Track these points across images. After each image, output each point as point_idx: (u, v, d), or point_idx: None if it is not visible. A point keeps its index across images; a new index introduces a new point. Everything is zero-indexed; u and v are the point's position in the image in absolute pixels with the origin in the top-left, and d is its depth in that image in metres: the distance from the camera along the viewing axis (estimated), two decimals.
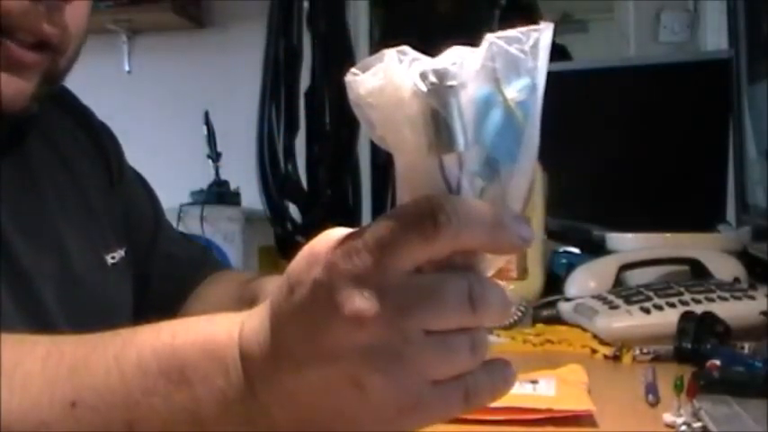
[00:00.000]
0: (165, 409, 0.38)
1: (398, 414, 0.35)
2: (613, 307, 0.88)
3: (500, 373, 0.39)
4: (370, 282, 0.34)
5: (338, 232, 0.36)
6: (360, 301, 0.34)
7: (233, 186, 2.87)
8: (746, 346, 0.72)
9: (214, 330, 0.39)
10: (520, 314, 0.98)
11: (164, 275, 0.80)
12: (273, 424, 0.38)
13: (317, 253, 0.36)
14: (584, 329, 0.90)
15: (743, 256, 1.08)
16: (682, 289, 0.87)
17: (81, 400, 0.39)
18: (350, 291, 0.34)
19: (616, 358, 0.80)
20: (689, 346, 0.74)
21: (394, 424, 0.36)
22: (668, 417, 0.54)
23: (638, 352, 0.79)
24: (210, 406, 0.38)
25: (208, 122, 2.80)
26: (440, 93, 0.32)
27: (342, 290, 0.34)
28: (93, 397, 0.39)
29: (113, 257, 0.71)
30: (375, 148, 3.30)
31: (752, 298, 0.85)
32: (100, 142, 0.76)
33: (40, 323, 0.60)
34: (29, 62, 0.55)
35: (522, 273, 1.03)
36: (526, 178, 0.34)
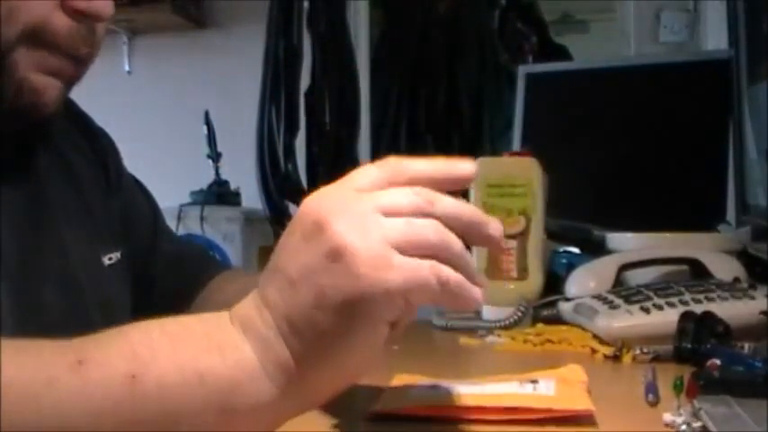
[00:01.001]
0: (168, 362, 0.43)
1: (375, 272, 0.41)
2: (613, 307, 0.88)
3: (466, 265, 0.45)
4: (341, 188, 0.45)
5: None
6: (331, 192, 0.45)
7: (233, 186, 2.87)
8: (746, 346, 0.72)
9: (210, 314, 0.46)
10: (520, 314, 0.98)
11: (168, 276, 0.80)
12: (278, 356, 0.44)
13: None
14: (585, 329, 0.90)
15: (743, 256, 1.08)
16: (682, 289, 0.87)
17: (86, 358, 0.42)
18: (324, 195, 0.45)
19: (616, 358, 0.80)
20: (689, 345, 0.74)
21: (373, 283, 0.41)
22: (668, 416, 0.54)
23: (638, 352, 0.79)
24: (212, 356, 0.43)
25: (208, 122, 2.80)
26: None
27: (315, 198, 0.45)
28: (98, 355, 0.43)
29: (110, 258, 0.71)
30: (375, 148, 3.32)
31: (752, 298, 0.85)
32: (99, 148, 0.76)
33: (40, 324, 0.60)
34: (66, 72, 0.62)
35: (522, 273, 1.03)
36: None
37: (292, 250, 0.44)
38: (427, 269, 0.43)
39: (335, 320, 0.42)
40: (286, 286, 0.44)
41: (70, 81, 0.63)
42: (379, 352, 0.45)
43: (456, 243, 0.44)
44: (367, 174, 0.46)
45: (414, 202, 0.44)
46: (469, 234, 0.45)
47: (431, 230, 0.43)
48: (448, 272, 0.43)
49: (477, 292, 0.45)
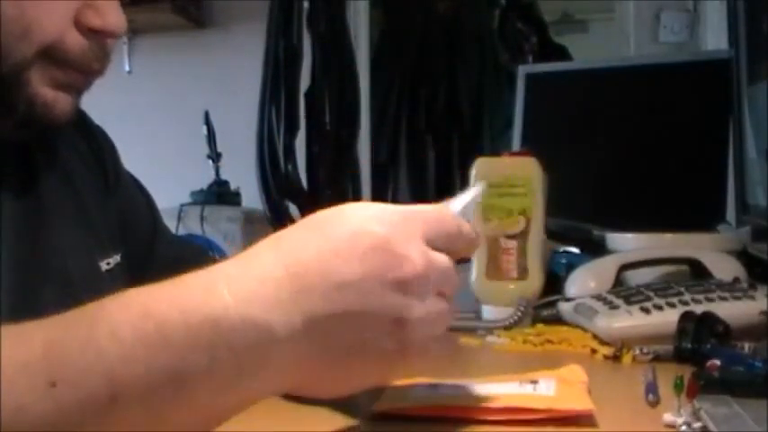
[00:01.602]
0: (151, 377, 0.39)
1: (423, 352, 0.45)
2: (613, 307, 0.88)
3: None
4: (428, 252, 0.46)
5: (370, 204, 0.46)
6: (418, 256, 0.45)
7: (233, 186, 2.87)
8: (746, 346, 0.72)
9: (191, 295, 0.42)
10: (520, 314, 0.98)
11: (167, 277, 0.80)
12: (291, 372, 0.42)
13: (364, 214, 0.45)
14: (585, 329, 0.90)
15: (743, 256, 1.08)
16: (682, 289, 0.87)
17: (59, 378, 0.38)
18: (411, 247, 0.45)
19: (616, 358, 0.80)
20: (689, 346, 0.74)
21: (417, 361, 0.45)
22: (668, 417, 0.54)
23: (638, 352, 0.79)
24: (200, 360, 0.40)
25: (208, 122, 2.80)
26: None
27: (404, 244, 0.44)
28: (71, 373, 0.39)
29: (108, 263, 0.71)
30: (375, 148, 3.31)
31: (752, 298, 0.85)
32: (96, 146, 0.76)
33: None
34: (77, 86, 0.62)
35: (522, 273, 1.03)
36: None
37: (365, 281, 0.42)
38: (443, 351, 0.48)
39: (361, 366, 0.44)
40: (337, 323, 0.42)
41: (80, 93, 0.64)
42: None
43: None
44: (442, 230, 0.48)
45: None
46: None
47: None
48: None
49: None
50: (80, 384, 0.39)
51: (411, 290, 0.43)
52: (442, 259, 0.47)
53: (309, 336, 0.41)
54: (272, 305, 0.41)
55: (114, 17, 0.62)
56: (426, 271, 0.44)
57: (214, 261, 0.90)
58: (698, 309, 0.80)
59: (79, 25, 0.60)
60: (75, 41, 0.60)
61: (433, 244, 0.46)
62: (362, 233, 0.43)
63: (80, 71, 0.61)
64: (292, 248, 0.43)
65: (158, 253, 0.81)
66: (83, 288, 0.66)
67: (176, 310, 0.40)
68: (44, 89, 0.59)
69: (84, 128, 0.76)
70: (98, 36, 0.61)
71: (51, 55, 0.59)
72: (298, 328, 0.41)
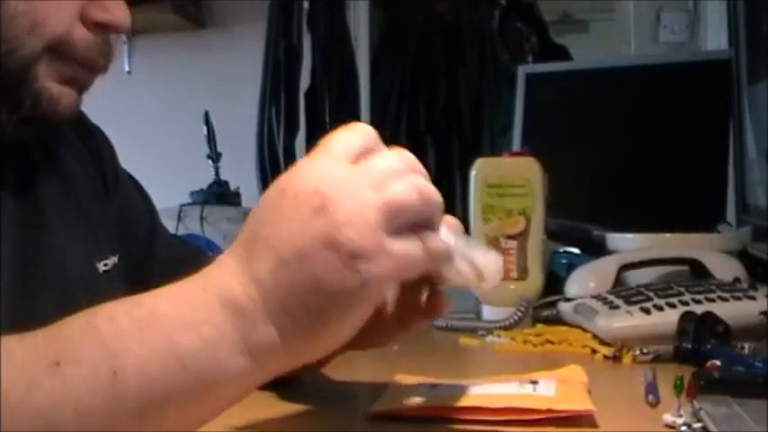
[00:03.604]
0: (146, 352, 0.43)
1: (371, 264, 0.43)
2: (613, 307, 0.88)
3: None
4: (334, 165, 0.46)
5: None
6: (311, 177, 0.45)
7: (233, 186, 2.87)
8: (746, 346, 0.72)
9: (176, 287, 0.46)
10: (520, 314, 0.98)
11: (166, 277, 0.80)
12: (277, 341, 0.44)
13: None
14: (585, 330, 0.90)
15: (743, 256, 1.08)
16: (682, 289, 0.87)
17: (63, 358, 0.42)
18: (306, 171, 0.46)
19: (616, 358, 0.80)
20: (689, 346, 0.75)
21: (368, 277, 0.43)
22: (668, 417, 0.54)
23: (638, 352, 0.79)
24: (188, 336, 0.43)
25: (208, 122, 2.80)
26: None
27: (300, 173, 0.46)
28: (73, 353, 0.42)
29: (105, 264, 0.71)
30: None
31: (752, 298, 0.85)
32: (95, 148, 0.76)
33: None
34: (82, 81, 0.63)
35: (522, 273, 1.03)
36: None
37: (287, 228, 0.44)
38: (419, 250, 0.45)
39: (328, 304, 0.44)
40: (279, 267, 0.44)
41: (83, 89, 0.64)
42: (361, 324, 0.46)
43: (436, 197, 0.47)
44: (348, 142, 0.47)
45: (402, 172, 0.46)
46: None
47: (417, 198, 0.45)
48: (436, 246, 0.46)
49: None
50: (82, 361, 0.42)
51: (319, 204, 0.44)
52: (356, 166, 0.46)
53: (271, 299, 0.44)
54: (230, 280, 0.45)
55: (120, 12, 0.63)
56: (334, 181, 0.45)
57: (212, 260, 0.90)
58: (698, 309, 0.80)
59: (85, 20, 0.61)
60: (81, 36, 0.61)
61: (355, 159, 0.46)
62: (268, 191, 0.46)
63: (85, 66, 0.62)
64: (244, 230, 0.47)
65: (157, 254, 0.81)
66: (80, 289, 0.66)
67: (164, 300, 0.45)
68: (50, 83, 0.60)
69: (82, 129, 0.76)
70: (104, 31, 0.62)
71: (58, 50, 0.60)
72: (257, 296, 0.44)
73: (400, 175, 0.46)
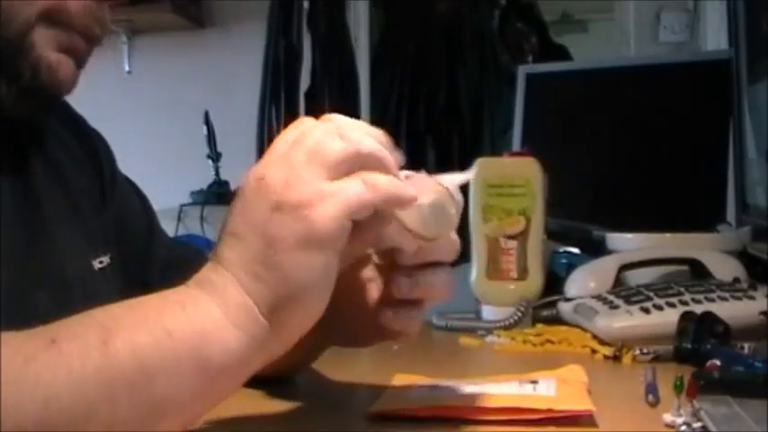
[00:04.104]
0: (134, 325, 0.46)
1: (314, 209, 0.47)
2: (613, 307, 0.88)
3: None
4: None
5: None
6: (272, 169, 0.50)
7: (233, 186, 2.86)
8: (746, 346, 0.72)
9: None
10: (520, 314, 0.98)
11: (164, 279, 0.80)
12: (236, 299, 0.47)
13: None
14: (585, 330, 0.90)
15: (743, 256, 1.08)
16: (682, 289, 0.87)
17: (58, 336, 0.44)
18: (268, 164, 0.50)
19: (616, 358, 0.80)
20: (689, 346, 0.75)
21: (316, 219, 0.47)
22: (668, 417, 0.54)
23: (638, 352, 0.79)
24: (173, 310, 0.47)
25: (208, 122, 2.80)
26: None
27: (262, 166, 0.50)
28: (68, 332, 0.45)
29: (101, 262, 0.71)
30: None
31: (752, 298, 0.85)
32: (93, 150, 0.76)
33: (30, 327, 0.60)
34: (79, 49, 0.63)
35: (522, 273, 1.03)
36: None
37: (238, 211, 0.49)
38: (360, 185, 0.48)
39: (291, 257, 0.47)
40: (236, 242, 0.48)
41: (80, 60, 0.64)
42: (333, 283, 0.49)
43: (379, 147, 0.52)
44: (285, 136, 0.52)
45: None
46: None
47: (341, 142, 0.50)
48: (375, 177, 0.49)
49: (409, 187, 0.51)
50: (76, 337, 0.44)
51: (260, 174, 0.49)
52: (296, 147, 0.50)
53: (239, 276, 0.48)
54: (207, 270, 0.49)
55: None
56: (275, 157, 0.50)
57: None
58: (698, 309, 0.80)
59: None
60: (76, 3, 0.61)
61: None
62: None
63: (82, 34, 0.62)
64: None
65: (155, 255, 0.81)
66: (77, 286, 0.67)
67: (152, 293, 0.49)
68: (48, 52, 0.61)
69: (81, 132, 0.76)
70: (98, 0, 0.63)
71: (53, 17, 0.60)
72: (226, 274, 0.48)
73: (330, 134, 0.50)
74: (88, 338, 0.44)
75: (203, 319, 0.47)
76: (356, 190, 0.48)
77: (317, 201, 0.47)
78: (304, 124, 0.53)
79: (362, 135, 0.51)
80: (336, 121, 0.52)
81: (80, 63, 0.64)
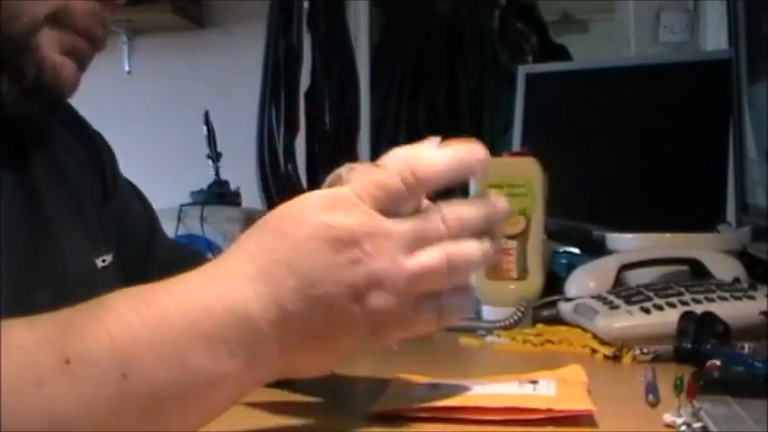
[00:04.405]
0: (156, 359, 0.44)
1: (392, 319, 0.48)
2: (614, 307, 0.88)
3: (465, 295, 0.52)
4: (377, 223, 0.47)
5: (324, 191, 0.49)
6: (357, 230, 0.47)
7: (233, 186, 2.86)
8: (746, 346, 0.72)
9: (187, 292, 0.46)
10: (520, 314, 0.97)
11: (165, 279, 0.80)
12: (278, 359, 0.47)
13: (316, 203, 0.48)
14: (585, 329, 0.90)
15: (743, 256, 1.08)
16: (682, 289, 0.87)
17: (73, 356, 0.42)
18: (350, 224, 0.47)
19: (616, 358, 0.80)
20: (689, 346, 0.74)
21: (388, 330, 0.48)
22: (668, 417, 0.54)
23: (638, 352, 0.79)
24: (201, 348, 0.44)
25: (208, 122, 2.80)
26: None
27: (343, 225, 0.46)
28: (84, 352, 0.43)
29: (104, 261, 0.71)
30: (375, 148, 3.32)
31: (752, 298, 0.85)
32: (95, 152, 0.76)
33: None
34: (81, 51, 0.64)
35: (522, 273, 1.03)
36: None
37: (320, 268, 0.46)
38: (433, 321, 0.50)
39: (339, 343, 0.48)
40: (305, 302, 0.46)
41: (82, 62, 0.65)
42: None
43: (466, 265, 0.50)
44: (388, 189, 0.48)
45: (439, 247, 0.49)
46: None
47: (446, 269, 0.48)
48: (448, 317, 0.50)
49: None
50: (93, 362, 0.42)
51: (361, 266, 0.46)
52: (393, 225, 0.48)
53: (288, 325, 0.46)
54: (249, 296, 0.46)
55: None
56: (374, 244, 0.47)
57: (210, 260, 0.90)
58: (698, 309, 0.80)
59: None
60: (81, 5, 0.62)
61: (386, 210, 0.48)
62: (312, 222, 0.47)
63: (85, 36, 0.63)
64: (256, 245, 0.48)
65: (155, 256, 0.81)
66: (79, 284, 0.67)
67: (176, 303, 0.45)
68: (52, 53, 0.61)
69: (83, 133, 0.76)
70: (101, 2, 0.63)
71: (59, 19, 0.61)
72: (276, 318, 0.46)
73: (438, 239, 0.49)
74: (106, 367, 0.43)
75: (227, 357, 0.45)
76: (428, 324, 0.50)
77: (394, 322, 0.48)
78: (408, 183, 0.49)
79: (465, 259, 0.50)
80: (449, 238, 0.50)
81: (82, 66, 0.65)
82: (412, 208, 0.49)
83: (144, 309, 0.45)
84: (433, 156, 0.50)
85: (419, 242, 0.48)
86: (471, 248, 0.50)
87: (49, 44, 0.61)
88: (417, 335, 0.50)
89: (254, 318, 0.45)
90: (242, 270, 0.47)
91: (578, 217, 1.37)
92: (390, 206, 0.48)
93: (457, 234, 0.49)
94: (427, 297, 0.49)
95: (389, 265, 0.47)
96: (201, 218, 2.67)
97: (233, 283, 0.46)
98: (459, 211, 0.51)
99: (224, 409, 0.48)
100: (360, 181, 0.49)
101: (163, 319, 0.45)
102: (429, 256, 0.48)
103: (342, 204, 0.47)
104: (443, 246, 0.49)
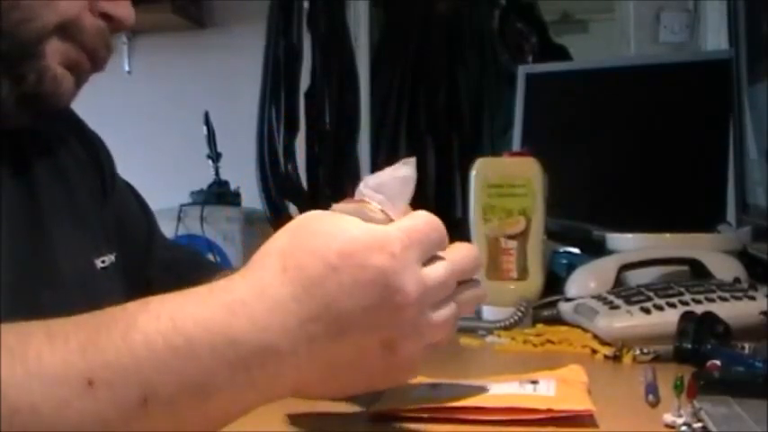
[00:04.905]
0: (179, 385, 0.43)
1: (413, 367, 0.50)
2: (614, 307, 0.88)
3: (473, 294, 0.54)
4: (422, 277, 0.48)
5: (375, 230, 0.48)
6: (413, 288, 0.47)
7: (233, 186, 2.87)
8: (746, 346, 0.72)
9: (214, 316, 0.45)
10: (520, 314, 0.97)
11: (164, 280, 0.80)
12: (291, 384, 0.47)
13: (370, 243, 0.46)
14: (585, 330, 0.90)
15: (743, 256, 1.08)
16: (682, 289, 0.87)
17: (96, 377, 0.41)
18: (407, 279, 0.46)
19: (616, 358, 0.80)
20: (689, 346, 0.74)
21: (407, 375, 0.51)
22: (668, 417, 0.54)
23: (638, 352, 0.79)
24: (223, 376, 0.44)
25: (208, 122, 2.80)
26: None
27: (400, 277, 0.46)
28: (108, 374, 0.42)
29: (104, 262, 0.71)
30: (375, 148, 3.31)
31: (752, 298, 0.85)
32: (94, 153, 0.77)
33: None
34: (83, 67, 0.64)
35: (522, 273, 1.03)
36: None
37: (364, 313, 0.46)
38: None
39: (354, 381, 0.50)
40: (335, 343, 0.46)
41: (81, 78, 0.65)
42: None
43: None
44: (432, 246, 0.50)
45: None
46: None
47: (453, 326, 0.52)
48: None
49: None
50: (116, 385, 0.42)
51: (404, 318, 0.47)
52: (437, 274, 0.49)
53: (311, 358, 0.46)
54: (282, 332, 0.45)
55: (125, 8, 0.65)
56: (420, 297, 0.47)
57: (210, 263, 0.91)
58: (698, 309, 0.80)
59: (92, 8, 0.63)
60: (90, 22, 0.63)
61: (428, 258, 0.49)
62: (364, 265, 0.46)
63: (89, 53, 0.64)
64: (299, 275, 0.46)
65: (155, 256, 0.82)
66: (80, 286, 0.67)
67: (203, 330, 0.44)
68: (54, 64, 0.62)
69: (82, 135, 0.76)
70: (109, 23, 0.64)
71: (68, 31, 0.62)
72: (302, 352, 0.46)
73: (450, 298, 0.51)
74: (128, 390, 0.42)
75: (248, 389, 0.45)
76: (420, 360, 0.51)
77: (411, 365, 0.50)
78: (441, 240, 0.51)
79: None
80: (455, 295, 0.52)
81: (80, 82, 0.66)
82: None
83: (170, 333, 0.43)
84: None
85: (441, 296, 0.50)
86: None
87: (54, 55, 0.62)
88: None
89: (283, 354, 0.45)
90: (279, 303, 0.45)
91: (578, 217, 1.37)
92: (426, 257, 0.49)
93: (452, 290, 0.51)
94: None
95: (424, 320, 0.48)
96: (201, 218, 2.67)
97: (267, 316, 0.45)
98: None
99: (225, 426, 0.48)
100: (409, 224, 0.49)
101: (189, 345, 0.43)
102: (448, 313, 0.50)
103: (397, 251, 0.47)
104: (453, 305, 0.51)
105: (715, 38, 2.49)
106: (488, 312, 1.03)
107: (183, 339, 0.43)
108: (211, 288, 0.46)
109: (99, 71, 0.66)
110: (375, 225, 0.49)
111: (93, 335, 0.43)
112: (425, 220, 0.50)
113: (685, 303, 0.84)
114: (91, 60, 0.64)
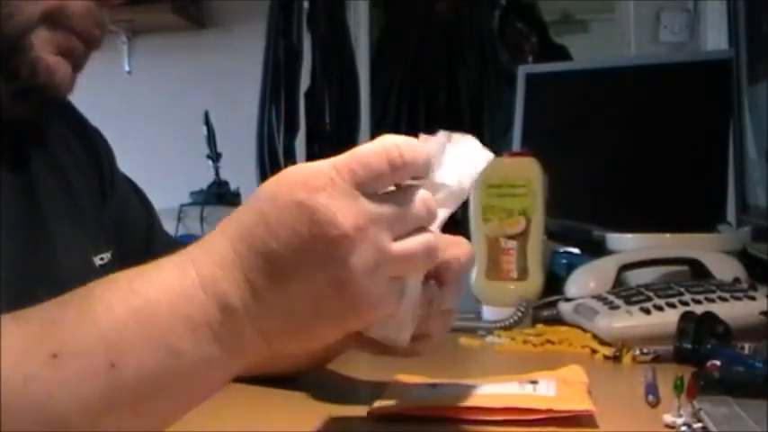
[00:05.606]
0: (143, 345, 0.43)
1: (380, 302, 0.45)
2: (613, 307, 0.88)
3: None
4: (359, 206, 0.44)
5: (304, 168, 0.46)
6: (346, 219, 0.44)
7: (233, 186, 2.87)
8: (746, 346, 0.72)
9: (168, 276, 0.46)
10: (520, 314, 0.98)
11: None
12: (258, 338, 0.45)
13: (293, 182, 0.45)
14: (585, 330, 0.90)
15: (743, 256, 1.08)
16: (682, 289, 0.87)
17: (60, 350, 0.42)
18: (337, 210, 0.44)
19: (616, 358, 0.80)
20: (689, 346, 0.75)
21: (372, 311, 0.46)
22: (668, 417, 0.54)
23: (638, 352, 0.79)
24: (184, 333, 0.44)
25: (208, 122, 2.80)
26: None
27: (328, 210, 0.44)
28: (71, 345, 0.43)
29: (102, 259, 0.71)
30: None
31: (752, 298, 0.85)
32: (93, 149, 0.77)
33: None
34: (77, 52, 0.63)
35: (522, 273, 1.03)
36: None
37: (296, 254, 0.44)
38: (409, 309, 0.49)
39: (322, 324, 0.46)
40: (286, 291, 0.44)
41: (78, 62, 0.65)
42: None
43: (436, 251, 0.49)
44: (371, 168, 0.46)
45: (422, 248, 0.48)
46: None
47: (425, 256, 0.48)
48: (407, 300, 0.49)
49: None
50: (80, 354, 0.42)
51: (344, 251, 0.44)
52: (383, 201, 0.46)
53: (263, 307, 0.45)
54: (229, 283, 0.45)
55: None
56: (362, 227, 0.44)
57: None
58: (698, 309, 0.80)
59: None
60: (77, 6, 0.62)
61: (368, 190, 0.46)
62: (287, 205, 0.44)
63: (81, 36, 0.63)
64: (236, 227, 0.46)
65: (156, 252, 0.81)
66: (77, 282, 0.67)
67: (158, 289, 0.45)
68: (45, 54, 0.61)
69: (81, 130, 0.76)
70: (97, 1, 0.63)
71: (54, 19, 0.61)
72: (249, 301, 0.45)
73: (417, 223, 0.47)
74: (94, 357, 0.42)
75: (212, 344, 0.45)
76: (392, 309, 0.48)
77: (376, 307, 0.46)
78: (395, 167, 0.47)
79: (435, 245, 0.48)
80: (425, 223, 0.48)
81: (77, 66, 0.65)
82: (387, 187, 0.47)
83: (129, 296, 0.44)
84: (425, 145, 0.50)
85: (400, 225, 0.46)
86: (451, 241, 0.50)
87: (43, 45, 0.61)
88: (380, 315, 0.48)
89: (234, 306, 0.44)
90: (223, 256, 0.45)
91: (578, 217, 1.37)
92: (370, 185, 0.45)
93: (427, 221, 0.48)
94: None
95: (374, 251, 0.44)
96: (201, 218, 2.67)
97: (214, 270, 0.45)
98: (431, 199, 0.49)
99: (210, 395, 0.47)
100: (343, 156, 0.46)
101: (147, 305, 0.44)
102: (414, 243, 0.47)
103: (321, 183, 0.44)
104: (426, 235, 0.47)
105: (715, 38, 2.49)
106: (488, 312, 1.03)
107: (141, 299, 0.44)
108: (168, 257, 0.47)
109: (96, 50, 0.65)
110: (313, 163, 0.46)
111: (55, 312, 0.44)
112: (366, 147, 0.46)
113: (685, 303, 0.84)
114: (84, 43, 0.63)
